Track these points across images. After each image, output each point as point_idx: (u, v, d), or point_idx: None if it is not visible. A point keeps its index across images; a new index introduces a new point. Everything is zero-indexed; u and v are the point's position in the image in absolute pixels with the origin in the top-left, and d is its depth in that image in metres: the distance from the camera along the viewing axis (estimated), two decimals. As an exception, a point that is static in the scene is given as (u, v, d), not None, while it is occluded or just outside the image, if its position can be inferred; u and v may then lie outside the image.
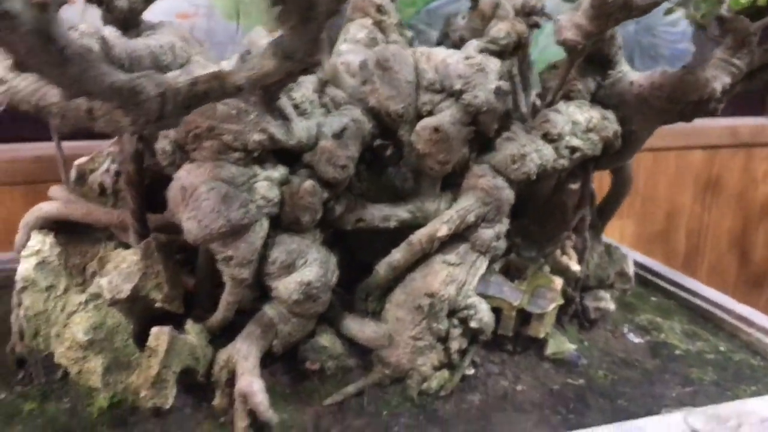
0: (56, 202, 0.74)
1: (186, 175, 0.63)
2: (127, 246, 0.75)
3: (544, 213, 0.80)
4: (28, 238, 0.74)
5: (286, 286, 0.67)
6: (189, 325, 0.68)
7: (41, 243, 0.74)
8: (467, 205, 0.71)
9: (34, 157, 1.22)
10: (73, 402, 0.70)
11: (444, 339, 0.72)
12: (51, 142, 1.27)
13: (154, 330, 0.65)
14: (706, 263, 1.75)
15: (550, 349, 0.80)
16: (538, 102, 0.85)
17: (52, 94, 0.44)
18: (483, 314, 0.73)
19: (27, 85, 0.45)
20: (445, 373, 0.73)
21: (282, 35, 0.44)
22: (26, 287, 0.74)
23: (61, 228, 0.75)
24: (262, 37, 0.79)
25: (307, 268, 0.67)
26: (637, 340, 0.88)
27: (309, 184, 0.65)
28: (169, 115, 0.42)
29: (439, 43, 0.87)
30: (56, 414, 0.68)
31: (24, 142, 1.28)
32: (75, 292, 0.75)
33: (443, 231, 0.70)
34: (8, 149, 1.25)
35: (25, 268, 0.73)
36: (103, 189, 0.76)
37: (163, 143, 0.65)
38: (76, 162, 0.79)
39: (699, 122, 0.83)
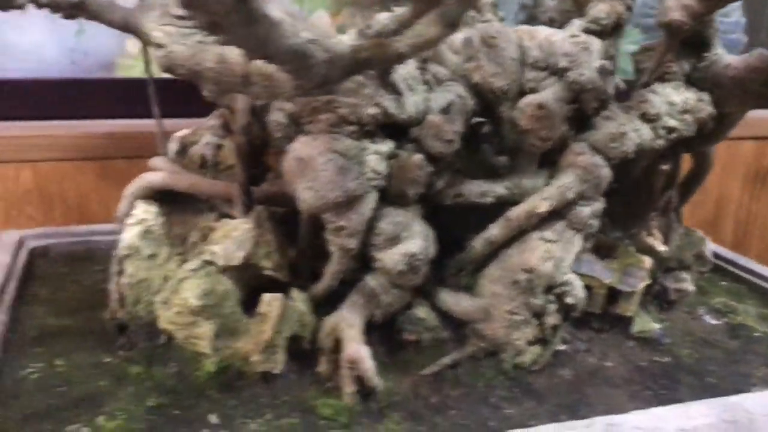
0: (162, 173, 0.76)
1: (302, 147, 0.64)
2: (228, 217, 0.77)
3: (631, 193, 0.81)
4: (131, 208, 0.76)
5: (392, 257, 0.68)
6: (295, 293, 0.70)
7: (146, 212, 0.75)
8: (567, 182, 0.72)
9: (106, 133, 1.24)
10: (179, 366, 0.71)
11: (539, 314, 0.74)
12: (123, 120, 1.31)
13: (267, 296, 0.67)
14: (753, 253, 1.75)
15: (636, 328, 0.81)
16: (621, 84, 0.85)
17: (207, 60, 0.46)
18: (578, 291, 0.74)
19: (184, 50, 0.46)
20: (537, 348, 0.75)
21: (448, 3, 0.46)
22: (129, 255, 0.76)
23: (163, 198, 0.77)
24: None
25: (411, 240, 0.69)
26: (714, 321, 0.89)
27: (418, 158, 0.67)
28: (332, 80, 0.43)
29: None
30: (164, 377, 0.70)
31: (97, 119, 1.31)
32: (176, 261, 0.77)
33: (544, 207, 0.71)
34: (81, 125, 1.27)
35: (129, 236, 0.75)
36: (204, 161, 0.78)
37: (278, 116, 0.66)
38: (178, 134, 0.81)
39: (750, 113, 0.84)
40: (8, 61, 1.26)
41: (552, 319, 0.74)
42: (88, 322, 0.82)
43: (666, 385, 0.75)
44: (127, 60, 1.33)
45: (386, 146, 0.67)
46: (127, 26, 0.66)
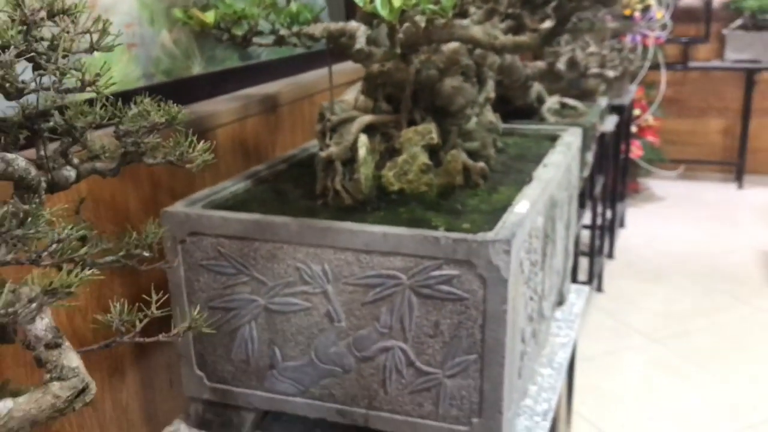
0: (369, 116, 1.43)
1: (452, 81, 1.47)
2: (387, 134, 1.50)
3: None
4: (356, 139, 1.42)
5: (488, 117, 1.57)
6: (443, 152, 1.52)
7: (365, 140, 1.43)
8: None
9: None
10: (416, 201, 1.45)
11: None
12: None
13: (451, 153, 1.48)
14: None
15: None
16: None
17: (502, 41, 1.30)
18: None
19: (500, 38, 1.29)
20: (493, 157, 1.73)
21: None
22: (362, 164, 1.43)
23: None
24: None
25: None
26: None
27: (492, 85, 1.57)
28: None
29: None
30: (418, 207, 1.44)
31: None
32: (374, 163, 1.47)
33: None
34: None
35: (362, 153, 1.42)
36: (361, 109, 1.48)
37: (434, 71, 1.46)
38: (343, 97, 1.46)
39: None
40: None
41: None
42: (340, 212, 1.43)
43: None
44: None
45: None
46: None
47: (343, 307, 1.33)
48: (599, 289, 4.55)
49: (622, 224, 5.52)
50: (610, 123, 4.04)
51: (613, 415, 3.34)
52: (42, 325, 0.70)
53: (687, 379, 3.64)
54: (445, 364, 1.29)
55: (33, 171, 0.68)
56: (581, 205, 3.64)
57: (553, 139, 1.99)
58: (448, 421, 1.32)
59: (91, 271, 0.62)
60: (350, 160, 1.44)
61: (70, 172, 0.76)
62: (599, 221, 4.44)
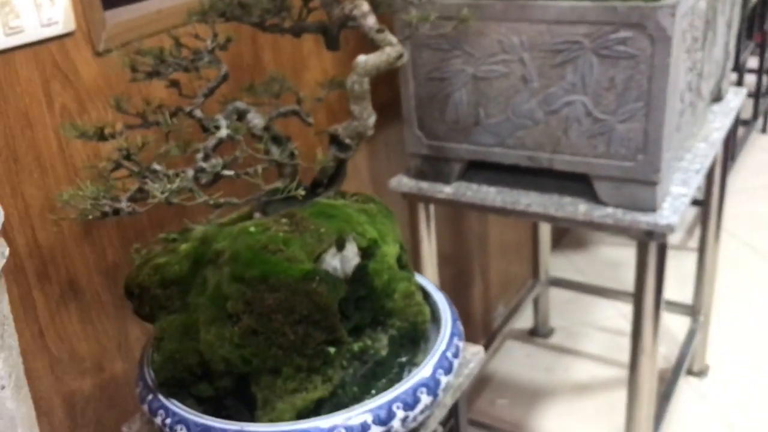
0: None
1: None
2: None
3: None
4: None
5: None
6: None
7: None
8: None
9: None
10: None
11: None
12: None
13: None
14: None
15: None
16: None
17: None
18: None
19: None
20: None
21: None
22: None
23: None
24: None
25: None
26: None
27: None
28: None
29: None
30: None
31: None
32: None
33: None
34: None
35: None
36: None
37: None
38: None
39: None
40: None
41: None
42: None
43: None
44: None
45: None
46: None
47: (536, 71, 1.72)
48: (764, 130, 4.61)
49: (794, 70, 5.40)
50: (786, -45, 3.98)
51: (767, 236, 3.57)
52: (372, 20, 1.14)
53: None
54: (617, 111, 1.66)
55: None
56: (748, 36, 3.72)
57: (720, -53, 2.19)
58: (617, 159, 1.70)
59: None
60: (542, -43, 1.78)
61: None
62: (768, 61, 4.43)
